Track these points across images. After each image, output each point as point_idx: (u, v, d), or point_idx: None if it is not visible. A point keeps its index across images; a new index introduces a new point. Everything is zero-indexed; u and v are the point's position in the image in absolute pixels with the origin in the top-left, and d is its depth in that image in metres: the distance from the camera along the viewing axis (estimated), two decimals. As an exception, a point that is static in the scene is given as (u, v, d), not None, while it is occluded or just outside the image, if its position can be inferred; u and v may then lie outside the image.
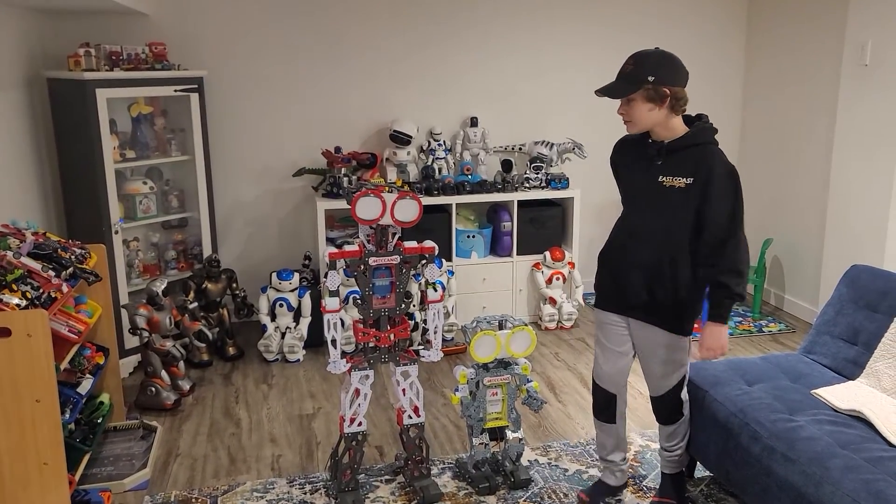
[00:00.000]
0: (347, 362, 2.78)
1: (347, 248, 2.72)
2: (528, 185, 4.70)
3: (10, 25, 3.64)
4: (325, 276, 2.69)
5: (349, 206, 2.66)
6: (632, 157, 2.65)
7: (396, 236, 2.75)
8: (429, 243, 2.79)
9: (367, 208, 2.63)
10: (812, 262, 4.73)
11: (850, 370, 2.82)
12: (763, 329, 4.69)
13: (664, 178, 2.51)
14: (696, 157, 2.48)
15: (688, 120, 2.57)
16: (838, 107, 4.34)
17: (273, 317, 4.28)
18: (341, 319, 2.74)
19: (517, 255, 4.70)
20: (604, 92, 2.54)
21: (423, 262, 2.79)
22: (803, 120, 4.79)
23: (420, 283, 4.25)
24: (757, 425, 2.48)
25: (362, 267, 2.71)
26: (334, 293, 2.70)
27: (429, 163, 4.70)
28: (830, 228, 4.46)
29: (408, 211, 2.68)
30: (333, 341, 2.71)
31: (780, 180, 5.04)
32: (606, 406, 2.79)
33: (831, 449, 2.29)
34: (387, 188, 2.68)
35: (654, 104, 2.47)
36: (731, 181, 2.50)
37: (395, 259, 2.74)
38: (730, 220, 2.47)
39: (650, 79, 2.45)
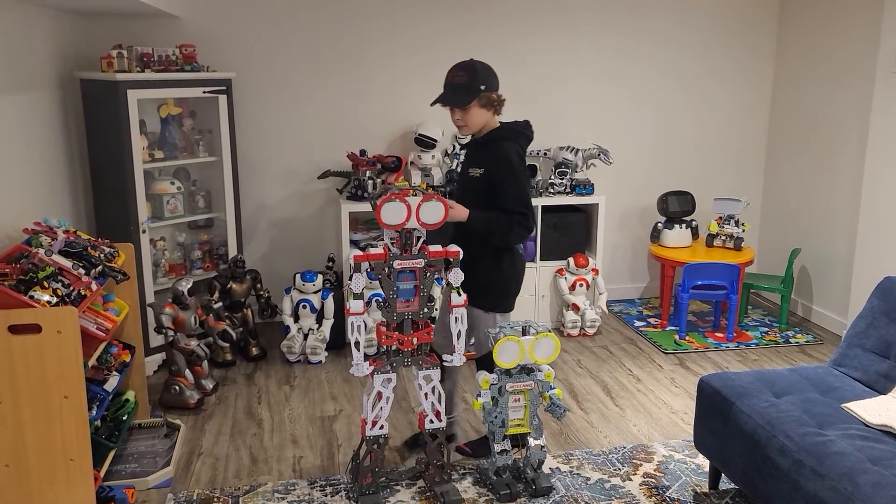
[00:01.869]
0: (370, 365, 2.78)
1: (372, 250, 2.72)
2: (552, 190, 4.68)
3: (44, 27, 3.70)
4: (350, 279, 2.69)
5: (373, 211, 2.66)
6: (465, 157, 3.08)
7: (421, 240, 2.75)
8: (453, 247, 2.79)
9: (392, 213, 2.63)
10: (841, 273, 4.65)
11: (881, 384, 2.77)
12: (790, 340, 4.62)
13: (471, 170, 2.93)
14: (491, 151, 2.90)
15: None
16: (871, 113, 4.27)
17: (296, 318, 4.30)
18: (364, 322, 2.74)
19: (540, 260, 4.67)
20: (444, 102, 2.87)
21: (448, 266, 2.78)
22: (834, 127, 4.72)
23: (442, 287, 4.24)
24: (785, 438, 2.44)
25: (386, 270, 2.71)
26: (358, 296, 2.70)
27: (453, 166, 4.69)
28: (861, 238, 4.38)
29: (433, 213, 2.68)
30: (357, 344, 2.72)
31: (809, 189, 4.97)
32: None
33: (862, 465, 2.25)
34: (412, 191, 2.68)
35: (485, 109, 2.87)
36: (510, 169, 2.86)
37: (420, 262, 2.73)
38: (514, 201, 2.86)
39: (482, 87, 2.83)
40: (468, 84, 2.83)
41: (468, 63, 2.88)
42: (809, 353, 4.42)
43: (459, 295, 2.82)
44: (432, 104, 2.93)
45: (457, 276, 2.79)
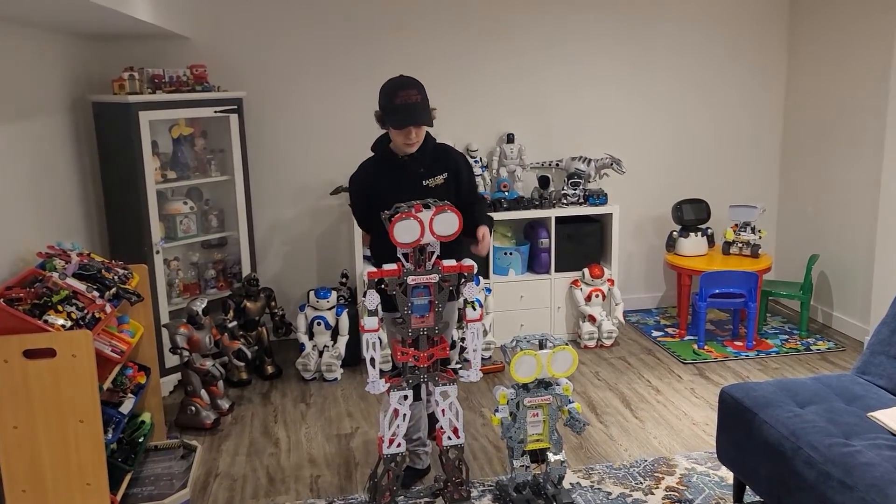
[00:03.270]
0: (386, 382, 2.76)
1: (386, 267, 2.70)
2: (565, 201, 4.65)
3: (56, 51, 3.73)
4: (364, 296, 2.67)
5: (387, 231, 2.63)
6: (388, 179, 2.92)
7: (435, 255, 2.72)
8: (467, 262, 2.76)
9: (405, 232, 2.61)
10: (862, 278, 4.58)
11: (907, 392, 2.71)
12: (811, 347, 4.55)
13: (429, 181, 2.92)
14: (443, 156, 2.98)
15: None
16: (887, 115, 4.21)
17: (311, 335, 4.29)
18: (379, 338, 2.72)
19: (555, 272, 4.64)
20: (425, 123, 2.82)
21: (462, 280, 2.76)
22: (849, 130, 4.66)
23: (459, 302, 4.21)
24: (811, 450, 2.38)
25: (401, 286, 2.69)
26: (373, 312, 2.67)
27: (466, 180, 4.67)
28: (881, 242, 4.32)
29: (448, 224, 2.66)
30: (372, 361, 2.69)
31: (826, 193, 4.91)
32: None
33: (891, 475, 2.19)
34: (422, 206, 2.65)
35: (429, 125, 2.86)
36: (467, 163, 3.09)
37: (434, 278, 2.71)
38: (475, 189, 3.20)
39: (430, 106, 2.85)
40: (425, 102, 2.81)
41: (412, 81, 2.82)
42: (831, 361, 4.35)
43: (475, 310, 2.79)
44: (404, 126, 2.79)
45: (471, 291, 2.76)
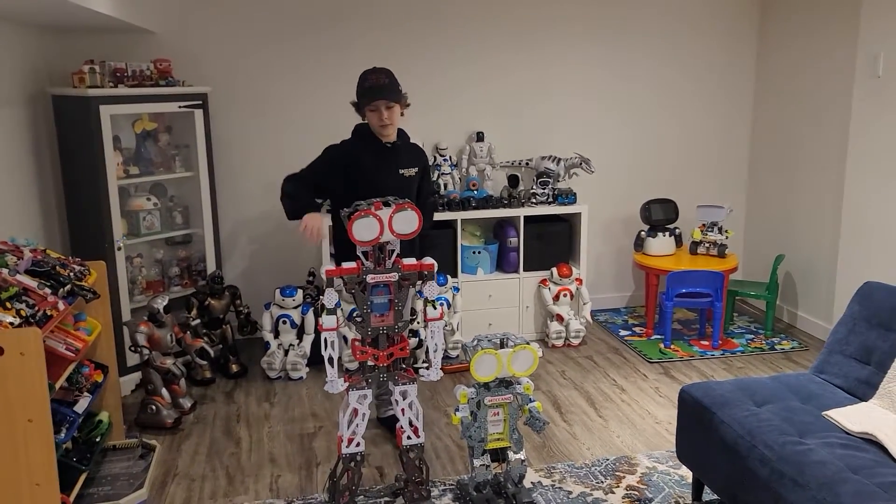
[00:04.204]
0: (345, 381, 2.73)
1: (345, 265, 2.67)
2: (534, 200, 4.65)
3: (16, 42, 3.66)
4: (322, 294, 2.64)
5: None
6: (371, 158, 3.17)
7: (395, 253, 2.70)
8: (428, 260, 2.74)
9: (364, 230, 2.59)
10: (826, 278, 4.63)
11: (862, 391, 2.73)
12: (775, 347, 4.59)
13: (404, 171, 3.21)
14: (418, 153, 3.34)
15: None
16: (851, 119, 4.26)
17: (276, 334, 4.25)
18: (345, 337, 2.70)
19: (524, 271, 4.64)
20: (393, 98, 3.08)
21: (422, 279, 2.74)
22: (816, 133, 4.71)
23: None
24: (765, 448, 2.40)
25: (360, 284, 2.66)
26: (332, 311, 2.65)
27: (434, 178, 4.66)
28: (844, 243, 4.37)
29: (407, 223, 2.64)
30: (331, 360, 2.67)
31: (793, 194, 4.96)
32: None
33: (842, 474, 2.21)
34: (382, 204, 2.64)
35: (402, 110, 3.16)
36: (428, 161, 3.42)
37: (394, 276, 2.69)
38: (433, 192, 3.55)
39: (402, 90, 3.13)
40: (394, 84, 3.10)
41: (381, 69, 3.13)
42: (795, 360, 4.39)
43: (435, 308, 2.77)
44: (372, 100, 3.06)
45: (432, 289, 2.74)
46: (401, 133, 3.28)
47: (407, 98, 3.17)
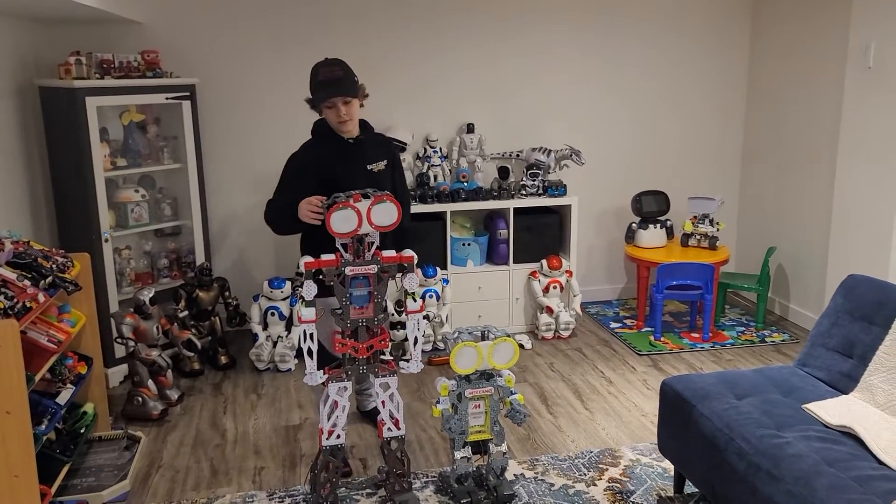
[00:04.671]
0: (325, 374, 2.73)
1: (324, 257, 2.66)
2: (524, 192, 4.63)
3: (3, 34, 3.65)
4: (301, 286, 2.64)
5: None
6: (335, 158, 2.98)
7: (374, 245, 2.69)
8: (407, 252, 2.74)
9: (342, 221, 2.58)
10: (817, 271, 4.61)
11: (844, 384, 2.72)
12: (766, 339, 4.58)
13: (372, 166, 3.02)
14: (385, 144, 3.19)
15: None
16: (842, 111, 4.23)
17: (265, 326, 4.25)
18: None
19: (514, 263, 4.63)
20: (349, 94, 2.89)
21: (402, 272, 2.73)
22: (808, 124, 4.68)
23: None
24: (743, 441, 2.39)
25: (339, 277, 2.66)
26: (310, 303, 2.64)
27: (424, 170, 4.65)
28: (835, 236, 4.35)
29: (386, 214, 2.63)
30: (310, 352, 2.66)
31: (784, 186, 4.93)
32: None
33: (818, 467, 2.20)
34: (360, 196, 2.63)
35: (361, 101, 2.96)
36: (398, 157, 3.25)
37: (373, 269, 2.68)
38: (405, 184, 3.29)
39: (359, 82, 2.94)
40: (349, 78, 2.91)
41: (335, 59, 2.94)
42: (785, 353, 4.38)
43: (415, 301, 2.76)
44: (328, 98, 2.88)
45: (412, 282, 2.74)
46: (364, 125, 3.07)
47: (365, 89, 2.97)
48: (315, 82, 2.90)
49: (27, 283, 2.70)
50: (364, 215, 2.60)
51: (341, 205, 2.56)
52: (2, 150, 3.54)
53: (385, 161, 3.07)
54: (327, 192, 2.75)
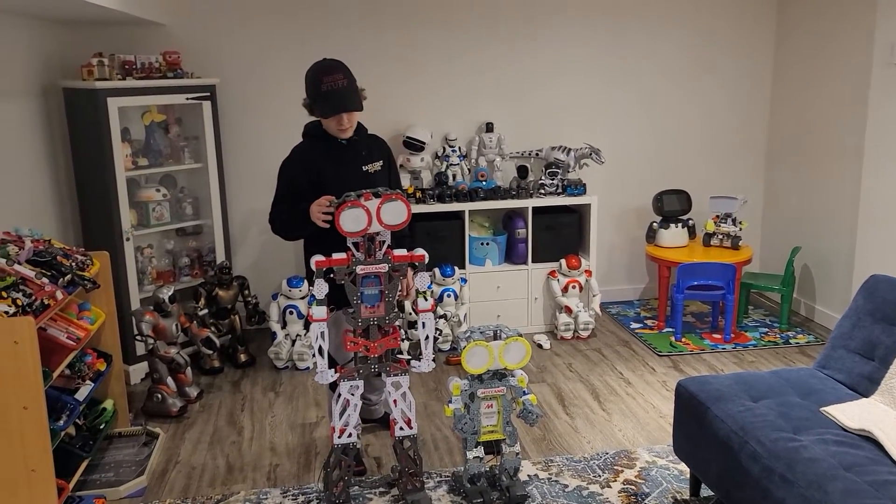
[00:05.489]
0: (336, 372, 2.74)
1: (336, 255, 2.67)
2: (543, 191, 4.60)
3: (28, 36, 3.72)
4: (312, 285, 2.65)
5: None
6: (329, 160, 2.90)
7: (385, 244, 2.70)
8: (419, 251, 2.73)
9: (351, 220, 2.58)
10: (843, 271, 4.52)
11: (865, 386, 2.66)
12: (790, 341, 4.49)
13: (368, 166, 2.94)
14: (379, 144, 3.05)
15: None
16: (868, 108, 4.14)
17: (283, 324, 4.28)
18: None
19: (532, 262, 4.60)
20: (355, 108, 2.82)
21: (414, 270, 2.73)
22: (833, 122, 4.59)
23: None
24: (757, 444, 2.35)
25: (350, 275, 2.66)
26: (322, 302, 2.65)
27: (443, 169, 4.64)
28: (861, 235, 4.25)
29: (395, 213, 2.63)
30: (321, 350, 2.67)
31: (809, 185, 4.84)
32: None
33: (833, 471, 2.15)
34: (371, 195, 2.63)
35: (360, 110, 2.85)
36: (393, 155, 3.15)
37: (384, 267, 2.68)
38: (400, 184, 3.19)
39: (360, 88, 2.84)
40: (353, 85, 2.80)
41: (336, 64, 2.81)
42: (809, 355, 4.29)
43: (426, 300, 2.76)
44: (333, 113, 2.80)
45: (423, 280, 2.73)
46: (357, 125, 2.95)
47: (364, 92, 2.87)
48: (317, 92, 2.78)
49: (46, 280, 2.75)
50: (374, 214, 2.60)
51: (350, 203, 2.57)
52: (27, 150, 3.61)
53: (381, 161, 2.99)
54: (322, 195, 2.72)
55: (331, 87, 2.75)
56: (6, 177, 3.33)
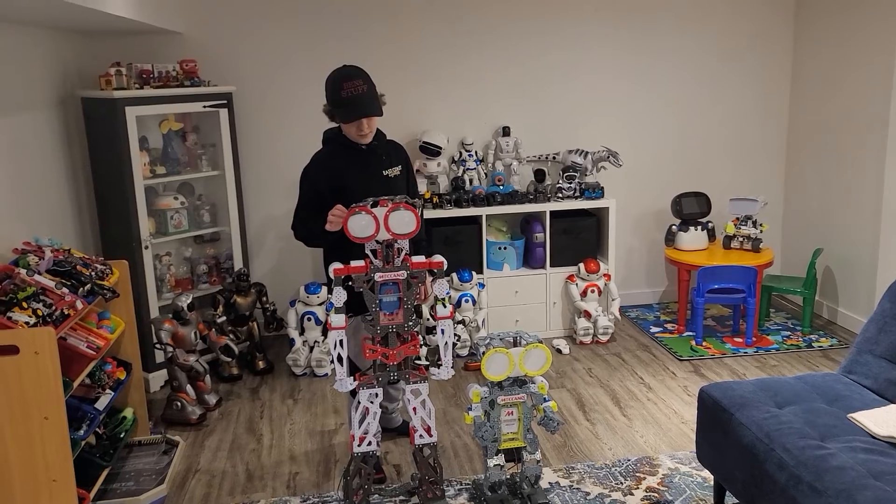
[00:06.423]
0: (355, 380, 2.73)
1: (354, 263, 2.66)
2: (560, 195, 4.57)
3: (46, 46, 3.75)
4: (331, 293, 2.64)
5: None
6: (350, 166, 2.93)
7: (403, 251, 2.68)
8: (437, 258, 2.71)
9: (359, 226, 2.58)
10: (867, 273, 4.45)
11: (892, 392, 2.61)
12: (813, 344, 4.43)
13: (388, 171, 2.97)
14: (397, 150, 3.07)
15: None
16: (891, 106, 4.07)
17: (301, 331, 4.27)
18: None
19: (550, 267, 4.57)
20: (374, 113, 2.83)
21: (432, 276, 2.71)
22: (854, 121, 4.52)
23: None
24: (783, 452, 2.30)
25: (368, 283, 2.65)
26: (340, 310, 2.64)
27: (459, 173, 4.62)
28: (885, 236, 4.19)
29: (404, 222, 2.61)
30: (340, 358, 2.66)
31: (831, 186, 4.77)
32: None
33: (863, 480, 2.11)
34: (386, 202, 2.62)
35: (379, 115, 2.86)
36: (411, 162, 3.18)
37: (402, 274, 2.67)
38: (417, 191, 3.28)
39: (380, 94, 2.85)
40: (372, 91, 2.82)
41: (356, 70, 2.83)
42: (833, 358, 4.23)
43: (445, 307, 2.74)
44: (354, 119, 2.82)
45: (441, 287, 2.72)
46: (376, 131, 2.97)
47: (384, 97, 2.89)
48: (337, 98, 2.79)
49: (66, 290, 2.76)
50: (381, 221, 2.58)
51: (358, 209, 2.57)
52: (46, 160, 3.64)
53: (400, 167, 3.02)
54: (344, 200, 2.74)
55: (351, 92, 2.77)
56: (26, 187, 3.35)
